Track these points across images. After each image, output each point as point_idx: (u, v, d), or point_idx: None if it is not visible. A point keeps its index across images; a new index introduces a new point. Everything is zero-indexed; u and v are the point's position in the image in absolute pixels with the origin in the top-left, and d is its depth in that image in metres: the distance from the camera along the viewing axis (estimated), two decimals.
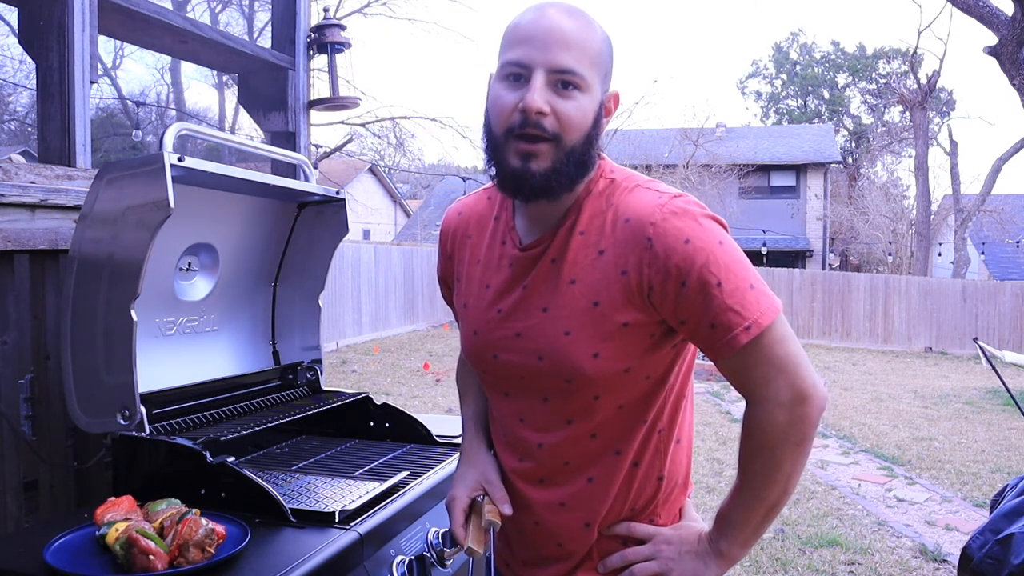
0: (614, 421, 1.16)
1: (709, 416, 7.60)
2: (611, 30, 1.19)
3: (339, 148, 15.93)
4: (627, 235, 1.09)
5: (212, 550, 1.16)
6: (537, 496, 1.21)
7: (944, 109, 29.65)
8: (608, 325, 1.10)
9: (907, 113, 22.54)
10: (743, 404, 1.15)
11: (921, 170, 20.10)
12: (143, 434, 1.43)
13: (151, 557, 1.11)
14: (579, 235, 1.13)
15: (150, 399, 1.52)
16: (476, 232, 1.28)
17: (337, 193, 1.97)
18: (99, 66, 1.94)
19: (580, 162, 1.11)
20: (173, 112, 19.05)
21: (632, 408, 1.16)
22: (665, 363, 1.15)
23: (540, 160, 1.08)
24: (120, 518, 1.20)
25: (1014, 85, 9.04)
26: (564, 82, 1.07)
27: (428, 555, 1.41)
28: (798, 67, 36.61)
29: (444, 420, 2.03)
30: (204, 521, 1.18)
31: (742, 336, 1.05)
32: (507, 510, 1.22)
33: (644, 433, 1.18)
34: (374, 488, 1.44)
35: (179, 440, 1.42)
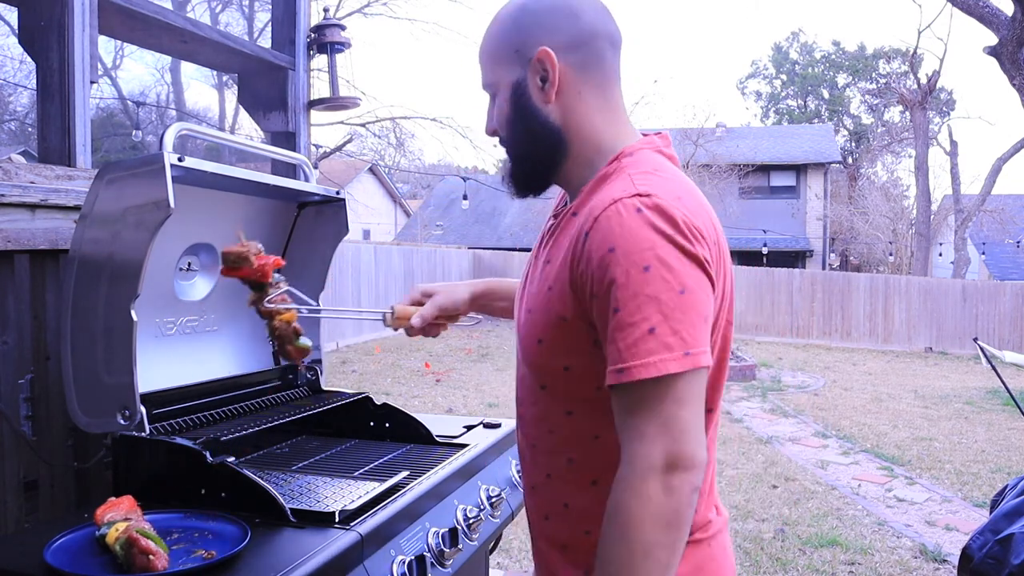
0: (564, 425, 1.09)
1: None
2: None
3: (339, 148, 15.94)
4: (581, 222, 1.02)
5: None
6: (522, 467, 1.22)
7: (944, 109, 29.67)
8: (552, 314, 1.04)
9: (907, 113, 22.54)
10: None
11: (921, 170, 20.10)
12: (143, 434, 1.43)
13: (151, 557, 1.11)
14: (572, 216, 1.08)
15: (150, 399, 1.51)
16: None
17: (337, 193, 1.97)
18: (99, 66, 1.94)
19: (531, 147, 1.12)
20: (173, 112, 19.05)
21: (583, 420, 1.07)
22: None
23: (507, 164, 1.16)
24: (120, 518, 1.20)
25: (1014, 85, 9.03)
26: (491, 96, 1.15)
27: (428, 555, 1.40)
28: (798, 67, 36.61)
29: (444, 420, 2.03)
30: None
31: (611, 376, 0.94)
32: (415, 321, 1.42)
33: (600, 453, 1.06)
34: (374, 488, 1.44)
35: (179, 440, 1.42)
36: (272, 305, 1.46)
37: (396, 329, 1.46)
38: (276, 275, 1.51)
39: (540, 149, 1.11)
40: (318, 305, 1.66)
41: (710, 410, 1.06)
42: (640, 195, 0.97)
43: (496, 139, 1.16)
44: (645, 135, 1.15)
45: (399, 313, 1.44)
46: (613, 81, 1.12)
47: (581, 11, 1.08)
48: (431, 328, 1.49)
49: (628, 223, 0.95)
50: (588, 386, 1.04)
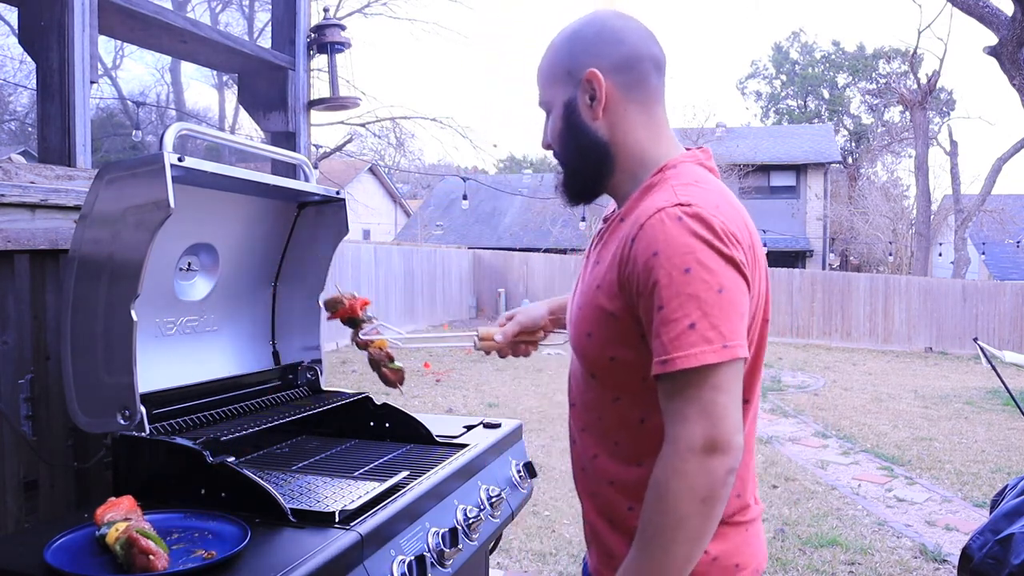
0: (611, 411, 1.20)
1: None
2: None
3: (339, 148, 15.94)
4: (628, 228, 1.13)
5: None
6: (572, 449, 1.34)
7: (944, 109, 29.66)
8: (600, 310, 1.15)
9: (907, 113, 22.54)
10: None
11: (921, 170, 20.10)
12: (143, 434, 1.43)
13: (151, 557, 1.11)
14: (620, 222, 1.19)
15: (150, 399, 1.52)
16: None
17: (337, 193, 1.97)
18: (99, 66, 1.94)
19: (581, 160, 1.23)
20: (173, 112, 19.05)
21: (629, 406, 1.17)
22: None
23: (559, 174, 1.29)
24: (120, 518, 1.20)
25: (1014, 85, 9.03)
26: (546, 114, 1.27)
27: (428, 555, 1.40)
28: (798, 67, 36.61)
29: (444, 420, 2.03)
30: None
31: (656, 367, 1.05)
32: (498, 337, 1.58)
33: (644, 436, 1.16)
34: (374, 488, 1.44)
35: (179, 440, 1.42)
36: (366, 336, 1.65)
37: (488, 353, 1.62)
38: (367, 312, 1.71)
39: (589, 161, 1.22)
40: (403, 334, 1.83)
41: (747, 401, 1.15)
42: (681, 204, 1.08)
43: (550, 152, 1.29)
44: (688, 150, 1.25)
45: (483, 335, 1.60)
46: (656, 100, 1.23)
47: (625, 37, 1.20)
48: (518, 348, 1.63)
49: (670, 230, 1.06)
50: (634, 376, 1.14)
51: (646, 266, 1.06)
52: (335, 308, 1.76)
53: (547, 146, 1.28)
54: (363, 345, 1.66)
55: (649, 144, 1.21)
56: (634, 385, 1.15)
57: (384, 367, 1.61)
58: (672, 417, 1.05)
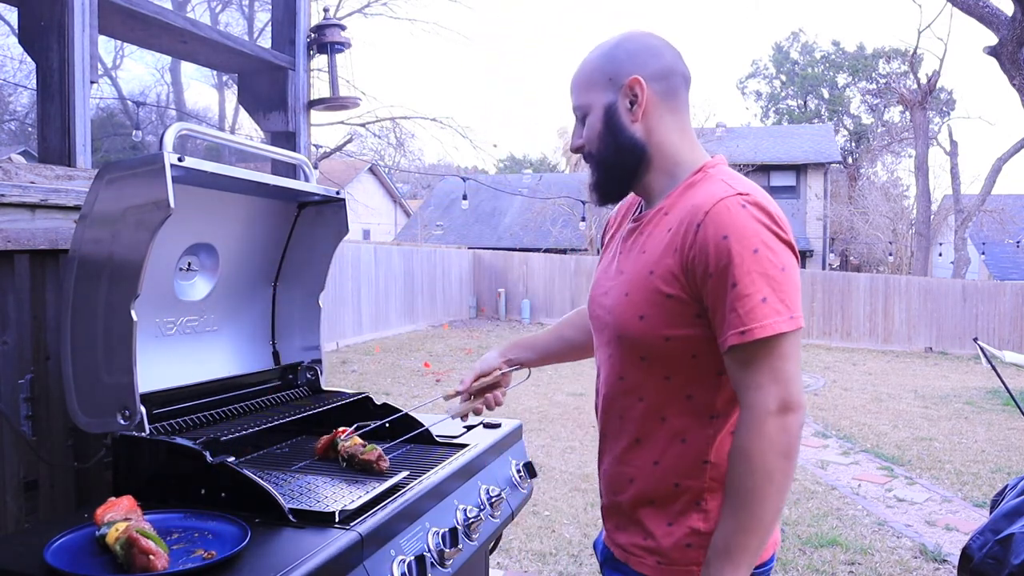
0: (661, 389, 1.28)
1: None
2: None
3: (339, 148, 15.93)
4: (687, 217, 1.22)
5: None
6: (601, 444, 1.42)
7: (944, 109, 29.66)
8: (656, 293, 1.25)
9: (907, 113, 22.55)
10: None
11: (921, 170, 20.11)
12: (143, 434, 1.43)
13: (151, 557, 1.11)
14: (663, 215, 1.30)
15: (150, 399, 1.52)
16: (623, 219, 1.49)
17: (337, 193, 1.97)
18: (99, 66, 1.94)
19: (617, 159, 1.33)
20: (173, 112, 19.04)
21: (680, 383, 1.27)
22: (717, 350, 1.21)
23: (592, 175, 1.38)
24: (120, 518, 1.20)
25: (1014, 85, 9.03)
26: (580, 117, 1.37)
27: (428, 555, 1.41)
28: (798, 67, 36.61)
29: (444, 420, 2.03)
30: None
31: (733, 338, 1.16)
32: (459, 387, 1.67)
33: (691, 410, 1.27)
34: (374, 488, 1.44)
35: (179, 440, 1.42)
36: (345, 446, 1.67)
37: (463, 418, 1.77)
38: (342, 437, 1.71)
39: (627, 160, 1.33)
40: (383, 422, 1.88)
41: None
42: (741, 194, 1.21)
43: (579, 154, 1.40)
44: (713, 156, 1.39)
45: (447, 394, 1.70)
46: (685, 111, 1.37)
47: (663, 52, 1.33)
48: (488, 400, 1.69)
49: (736, 215, 1.18)
50: (686, 354, 1.25)
51: (717, 248, 1.17)
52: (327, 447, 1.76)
53: (578, 148, 1.38)
54: (347, 453, 1.67)
55: (682, 146, 1.34)
56: (685, 362, 1.25)
57: (359, 457, 1.61)
58: (746, 384, 1.17)
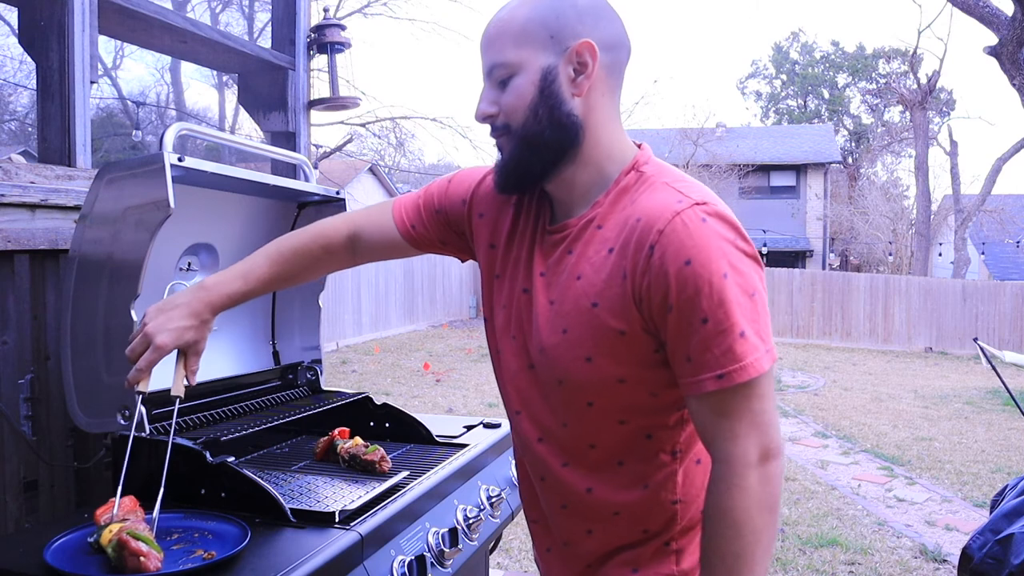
0: (614, 434, 1.10)
1: None
2: None
3: (339, 148, 15.92)
4: (633, 235, 1.01)
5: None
6: (541, 490, 1.19)
7: (944, 109, 29.63)
8: (604, 330, 1.03)
9: (907, 113, 22.55)
10: None
11: (921, 170, 20.11)
12: (143, 434, 1.43)
13: (142, 559, 1.11)
14: (596, 228, 1.07)
15: (150, 399, 1.51)
16: (511, 227, 1.19)
17: (337, 193, 1.97)
18: (99, 66, 1.94)
19: (550, 137, 1.05)
20: (173, 112, 19.03)
21: (638, 425, 1.09)
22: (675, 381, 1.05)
23: (504, 152, 1.10)
24: (120, 518, 1.20)
25: (1014, 85, 9.03)
26: (499, 79, 1.07)
27: (428, 555, 1.40)
28: (798, 67, 36.60)
29: (444, 420, 2.03)
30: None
31: (709, 383, 0.97)
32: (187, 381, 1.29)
33: (651, 452, 1.10)
34: (374, 488, 1.44)
35: (179, 440, 1.42)
36: (346, 447, 1.66)
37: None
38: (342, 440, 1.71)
39: (556, 139, 1.06)
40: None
41: None
42: (699, 204, 1.00)
43: (487, 125, 1.10)
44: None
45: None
46: (619, 91, 1.11)
47: (617, 17, 1.08)
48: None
49: (697, 233, 0.97)
50: (642, 393, 1.07)
51: (680, 276, 0.96)
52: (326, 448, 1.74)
53: (488, 116, 1.08)
54: (348, 455, 1.65)
55: (616, 137, 1.09)
56: (642, 401, 1.07)
57: (361, 457, 1.60)
58: (721, 435, 0.99)
